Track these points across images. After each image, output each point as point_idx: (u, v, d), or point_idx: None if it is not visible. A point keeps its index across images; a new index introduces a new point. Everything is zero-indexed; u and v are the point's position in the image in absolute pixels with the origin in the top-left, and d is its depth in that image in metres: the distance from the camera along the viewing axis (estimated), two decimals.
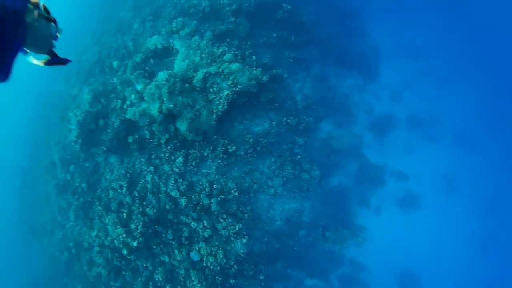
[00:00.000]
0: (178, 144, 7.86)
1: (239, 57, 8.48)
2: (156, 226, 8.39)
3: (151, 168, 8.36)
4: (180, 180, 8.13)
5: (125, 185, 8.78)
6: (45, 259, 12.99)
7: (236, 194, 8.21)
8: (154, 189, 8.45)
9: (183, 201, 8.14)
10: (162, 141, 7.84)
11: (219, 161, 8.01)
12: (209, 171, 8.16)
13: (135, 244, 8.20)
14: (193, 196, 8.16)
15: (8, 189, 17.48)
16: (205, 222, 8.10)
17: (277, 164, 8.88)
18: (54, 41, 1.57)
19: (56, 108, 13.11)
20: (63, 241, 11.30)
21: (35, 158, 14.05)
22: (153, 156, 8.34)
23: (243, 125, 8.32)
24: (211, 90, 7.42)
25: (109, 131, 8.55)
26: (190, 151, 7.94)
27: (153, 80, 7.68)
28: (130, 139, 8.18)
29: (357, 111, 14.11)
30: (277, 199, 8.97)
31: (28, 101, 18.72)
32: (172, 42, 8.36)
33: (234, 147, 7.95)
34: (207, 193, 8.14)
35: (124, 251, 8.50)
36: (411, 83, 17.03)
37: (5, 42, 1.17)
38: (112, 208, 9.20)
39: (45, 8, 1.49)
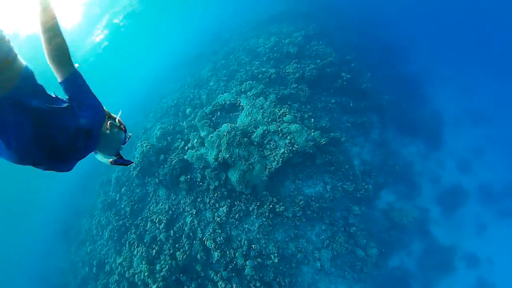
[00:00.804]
0: (225, 193, 7.64)
1: (299, 119, 8.71)
2: (181, 275, 7.76)
3: (193, 211, 8.19)
4: (219, 230, 7.63)
5: (164, 221, 8.67)
6: (66, 265, 13.27)
7: (276, 260, 7.22)
8: (191, 234, 8.08)
9: (216, 254, 7.49)
10: (211, 187, 7.76)
11: (264, 219, 7.37)
12: (251, 228, 7.50)
13: (154, 287, 7.62)
14: (228, 252, 7.46)
15: (66, 190, 19.57)
16: (234, 285, 7.16)
17: (328, 233, 7.74)
18: (122, 146, 1.70)
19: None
20: (89, 255, 11.46)
21: (97, 171, 15.57)
22: (198, 199, 8.25)
23: (295, 185, 7.74)
24: (267, 146, 7.43)
25: (166, 166, 9.10)
26: (235, 203, 7.57)
27: (217, 130, 8.24)
28: (182, 178, 8.42)
29: (422, 181, 12.62)
30: (323, 275, 7.60)
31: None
32: (239, 100, 9.24)
33: (282, 207, 7.29)
34: (244, 252, 7.35)
35: None
36: (479, 151, 15.03)
37: (75, 154, 1.38)
38: (145, 241, 9.03)
39: (118, 119, 1.66)
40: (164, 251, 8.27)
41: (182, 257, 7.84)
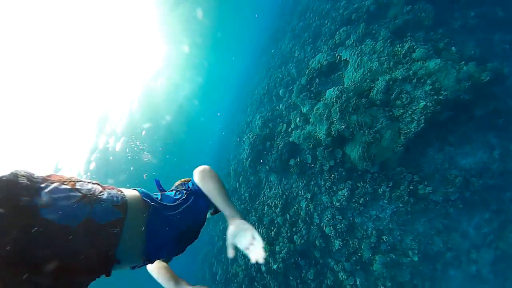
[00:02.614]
0: (343, 173, 6.61)
1: (432, 51, 6.11)
2: (299, 259, 7.50)
3: (308, 195, 7.72)
4: (339, 217, 6.74)
5: (279, 205, 8.80)
6: (206, 237, 16.08)
7: (416, 259, 5.54)
8: (307, 218, 7.68)
9: (337, 243, 6.65)
10: (325, 168, 6.94)
11: (400, 204, 5.75)
12: (381, 215, 6.10)
13: (274, 267, 7.82)
14: (351, 242, 6.44)
15: None
16: (358, 280, 6.07)
17: (493, 225, 5.18)
18: None
19: (235, 133, 16.90)
20: (222, 232, 13.44)
21: (219, 167, 18.76)
22: (312, 183, 7.69)
23: (444, 154, 5.56)
24: (398, 102, 5.52)
25: (273, 152, 9.05)
26: (358, 184, 6.40)
27: (321, 99, 6.99)
28: (291, 162, 8.08)
29: None
30: (476, 283, 5.23)
31: (220, 130, 27.18)
32: (338, 55, 7.39)
33: (428, 187, 5.42)
34: (372, 244, 6.10)
35: (263, 268, 8.39)
36: None
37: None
38: (264, 223, 9.54)
39: None
40: (282, 233, 8.38)
41: (300, 241, 7.62)
